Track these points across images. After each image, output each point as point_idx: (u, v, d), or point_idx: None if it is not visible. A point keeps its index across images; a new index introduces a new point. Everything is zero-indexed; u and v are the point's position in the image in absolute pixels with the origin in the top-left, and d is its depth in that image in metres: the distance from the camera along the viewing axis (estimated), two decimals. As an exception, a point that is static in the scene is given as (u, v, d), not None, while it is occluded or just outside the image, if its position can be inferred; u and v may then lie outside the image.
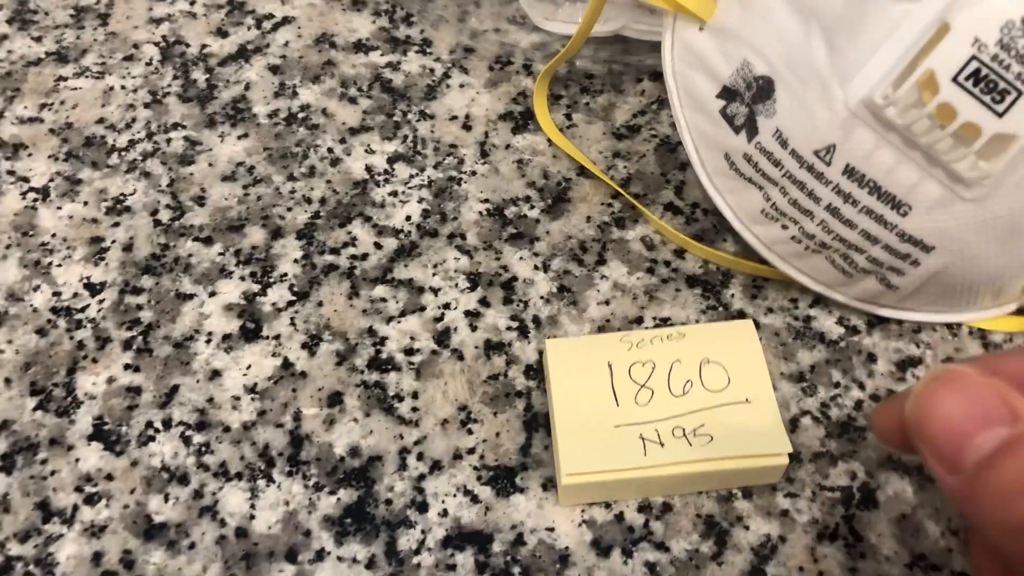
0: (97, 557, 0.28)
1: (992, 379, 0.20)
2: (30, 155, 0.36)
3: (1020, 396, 0.19)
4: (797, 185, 0.28)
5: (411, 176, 0.35)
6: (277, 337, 0.32)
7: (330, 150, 0.36)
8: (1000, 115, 0.24)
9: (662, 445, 0.27)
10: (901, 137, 0.26)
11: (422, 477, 0.29)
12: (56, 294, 0.33)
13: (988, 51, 0.23)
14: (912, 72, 0.25)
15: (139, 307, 0.32)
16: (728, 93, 0.29)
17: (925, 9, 0.24)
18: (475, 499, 0.28)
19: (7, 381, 0.31)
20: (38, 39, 0.40)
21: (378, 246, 0.34)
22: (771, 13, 0.28)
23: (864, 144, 0.26)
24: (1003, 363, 0.21)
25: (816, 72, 0.26)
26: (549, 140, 0.36)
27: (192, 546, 0.28)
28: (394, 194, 0.35)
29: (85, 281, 0.33)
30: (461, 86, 0.38)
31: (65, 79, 0.39)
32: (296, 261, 0.33)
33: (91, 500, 0.29)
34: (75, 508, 0.29)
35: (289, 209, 0.35)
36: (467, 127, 0.37)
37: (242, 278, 0.33)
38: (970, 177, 0.25)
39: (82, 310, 0.32)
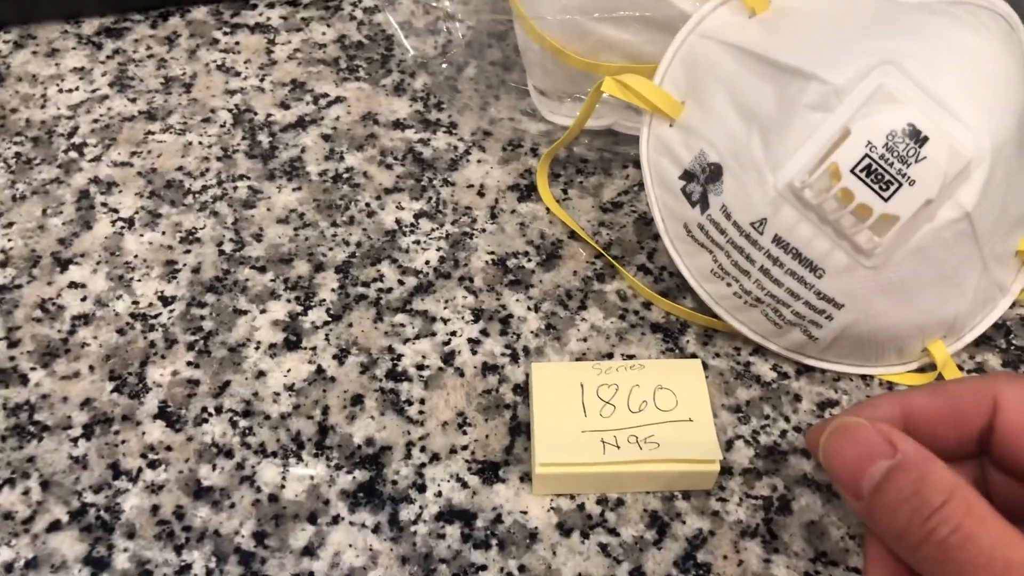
0: (155, 509, 0.34)
1: (877, 423, 0.26)
2: (120, 192, 0.44)
3: (898, 431, 0.26)
4: (737, 250, 0.35)
5: (432, 230, 0.43)
6: (314, 348, 0.39)
7: (367, 204, 0.44)
8: (886, 200, 0.31)
9: (618, 447, 0.34)
10: (816, 214, 0.33)
11: (423, 465, 0.35)
12: (135, 303, 0.40)
13: (877, 151, 0.31)
14: (823, 164, 0.32)
15: (202, 317, 0.40)
16: (687, 175, 0.37)
17: (835, 118, 0.32)
18: (465, 485, 0.35)
19: (91, 368, 0.38)
20: (133, 100, 0.48)
21: (401, 283, 0.41)
22: (723, 116, 0.35)
23: (788, 218, 0.34)
24: (879, 406, 0.28)
25: (754, 161, 0.34)
26: (547, 208, 0.44)
27: (232, 506, 0.34)
28: (417, 243, 0.42)
29: (159, 294, 0.40)
30: (479, 161, 0.46)
31: (153, 133, 0.47)
32: (333, 290, 0.41)
33: (153, 465, 0.35)
34: (139, 470, 0.35)
35: (331, 249, 0.42)
36: (481, 194, 0.44)
37: (288, 300, 0.40)
38: (867, 248, 0.33)
39: (155, 317, 0.40)
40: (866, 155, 0.31)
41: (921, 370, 0.38)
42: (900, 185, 0.31)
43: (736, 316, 0.38)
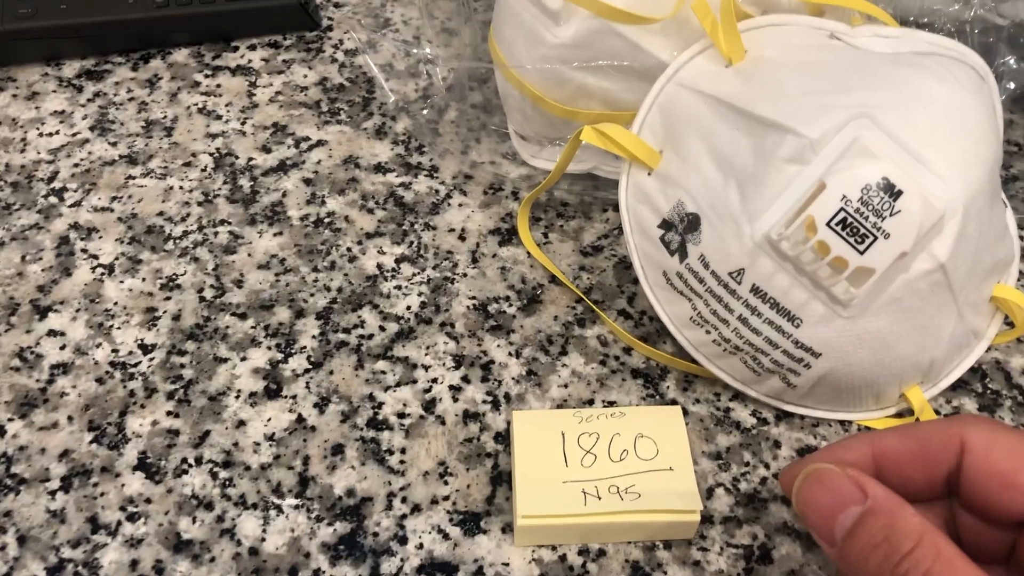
0: (134, 564, 0.34)
1: (848, 469, 0.27)
2: (100, 237, 0.44)
3: (867, 477, 0.27)
4: (716, 299, 0.36)
5: (414, 274, 0.43)
6: (294, 397, 0.39)
7: (349, 249, 0.44)
8: (861, 253, 0.32)
9: (599, 498, 0.34)
10: (793, 265, 0.33)
11: (404, 516, 0.35)
12: (115, 351, 0.40)
13: (852, 205, 0.32)
14: (799, 216, 0.33)
15: (182, 366, 0.39)
16: (666, 224, 0.37)
17: (811, 171, 0.33)
18: (446, 536, 0.35)
19: (69, 418, 0.38)
20: (114, 144, 0.48)
21: (382, 328, 0.41)
22: (701, 167, 0.36)
23: (766, 269, 0.34)
24: (850, 448, 0.29)
25: (731, 213, 0.34)
26: (528, 252, 0.44)
27: (212, 559, 0.34)
28: (399, 288, 0.42)
29: (139, 342, 0.40)
30: (460, 205, 0.46)
31: (134, 178, 0.47)
32: (314, 337, 0.41)
33: (132, 518, 0.35)
34: (119, 523, 0.35)
35: (312, 295, 0.42)
36: (462, 238, 0.45)
37: (269, 348, 0.40)
38: (844, 299, 0.33)
39: (135, 365, 0.39)
40: (841, 208, 0.32)
41: (899, 415, 0.39)
42: (875, 238, 0.32)
43: (715, 363, 0.38)
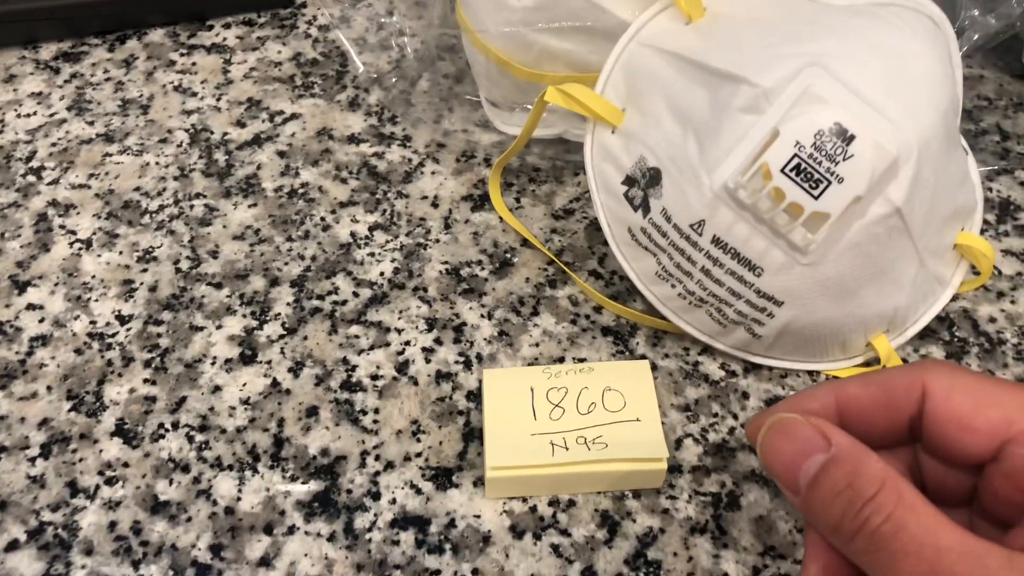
0: (112, 525, 0.34)
1: (812, 418, 0.27)
2: (78, 213, 0.45)
3: (831, 425, 0.27)
4: (679, 252, 0.36)
5: (387, 241, 0.44)
6: (269, 362, 0.39)
7: (322, 219, 0.44)
8: (816, 198, 0.32)
9: (567, 449, 0.34)
10: (751, 214, 0.34)
11: (377, 473, 0.36)
12: (92, 322, 0.40)
13: (805, 151, 0.32)
14: (755, 165, 0.33)
15: (159, 335, 0.40)
16: (629, 180, 0.37)
17: (765, 120, 0.33)
18: (419, 491, 0.35)
19: (48, 388, 0.38)
20: (91, 123, 0.49)
21: (356, 294, 0.41)
22: (661, 121, 0.36)
23: (725, 219, 0.34)
24: (814, 397, 0.29)
25: (690, 165, 0.35)
26: (500, 217, 0.44)
27: (189, 519, 0.35)
28: (372, 255, 0.43)
29: (116, 313, 0.41)
30: (432, 173, 0.47)
31: (110, 155, 0.47)
32: (288, 304, 0.41)
33: (110, 481, 0.36)
34: (97, 487, 0.35)
35: (286, 263, 0.43)
36: (435, 205, 0.45)
37: (244, 316, 0.41)
38: (802, 245, 0.33)
39: (112, 336, 0.40)
40: (795, 155, 0.32)
41: (866, 364, 0.39)
42: (829, 183, 0.32)
43: (682, 317, 0.39)
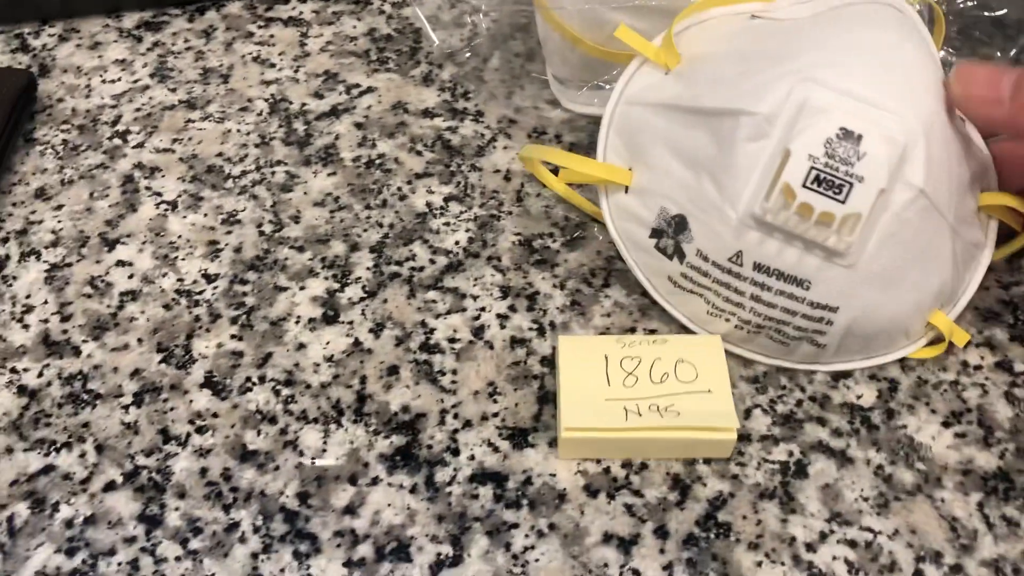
0: (203, 471, 0.36)
1: None
2: (163, 176, 0.46)
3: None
4: (724, 286, 0.37)
5: (461, 212, 0.45)
6: (351, 323, 0.41)
7: (399, 188, 0.46)
8: (843, 202, 0.34)
9: (640, 415, 0.36)
10: (783, 233, 0.35)
11: (456, 431, 0.37)
12: (180, 280, 0.42)
13: (820, 161, 0.33)
14: (775, 187, 0.34)
15: (244, 294, 0.42)
16: (656, 233, 0.39)
17: (773, 143, 0.34)
18: (496, 449, 0.37)
19: (139, 340, 0.40)
20: (173, 90, 0.51)
21: (432, 262, 0.43)
22: (671, 170, 0.38)
23: (761, 244, 0.35)
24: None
25: (712, 203, 0.36)
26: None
27: (277, 468, 0.36)
28: (447, 224, 0.44)
29: (203, 272, 0.42)
30: (504, 148, 0.48)
31: (193, 121, 0.49)
32: (368, 268, 0.43)
33: (201, 430, 0.37)
34: (188, 435, 0.37)
35: (365, 230, 0.44)
36: (507, 179, 0.46)
37: (326, 278, 0.42)
38: (841, 249, 0.35)
39: (199, 293, 0.42)
40: (812, 167, 0.34)
41: (932, 343, 0.40)
42: (851, 185, 0.33)
43: (745, 346, 0.39)
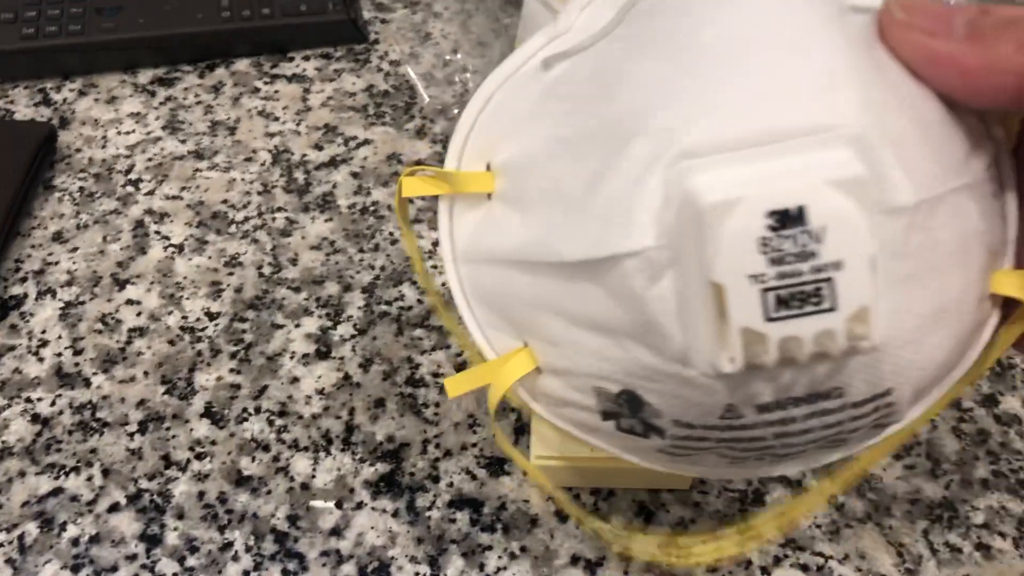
0: (201, 494, 0.39)
1: None
2: (172, 221, 0.50)
3: None
4: (735, 440, 0.25)
5: (448, 256, 0.48)
6: (342, 358, 0.44)
7: (391, 233, 0.49)
8: (834, 308, 0.21)
9: (609, 444, 0.38)
10: (782, 365, 0.22)
11: (437, 459, 0.40)
12: (184, 317, 0.45)
13: (768, 276, 0.21)
14: (731, 332, 0.21)
15: (243, 331, 0.45)
16: (609, 415, 0.26)
17: (684, 283, 0.22)
18: (474, 477, 0.39)
19: (145, 373, 0.43)
20: (183, 141, 0.54)
21: (420, 302, 0.46)
22: (579, 343, 0.25)
23: (755, 389, 0.23)
24: None
25: (658, 371, 0.24)
26: (552, 238, 0.49)
27: (269, 492, 0.39)
28: (435, 267, 0.47)
29: (206, 310, 0.46)
30: (491, 197, 0.51)
31: (200, 170, 0.52)
32: (360, 308, 0.46)
33: (199, 456, 0.40)
34: (188, 461, 0.40)
35: (358, 272, 0.47)
36: (492, 225, 0.50)
37: (320, 316, 0.45)
38: (864, 348, 0.22)
39: (202, 330, 0.45)
40: (763, 292, 0.21)
41: (1006, 316, 0.26)
42: (831, 280, 0.21)
43: (796, 465, 0.28)
